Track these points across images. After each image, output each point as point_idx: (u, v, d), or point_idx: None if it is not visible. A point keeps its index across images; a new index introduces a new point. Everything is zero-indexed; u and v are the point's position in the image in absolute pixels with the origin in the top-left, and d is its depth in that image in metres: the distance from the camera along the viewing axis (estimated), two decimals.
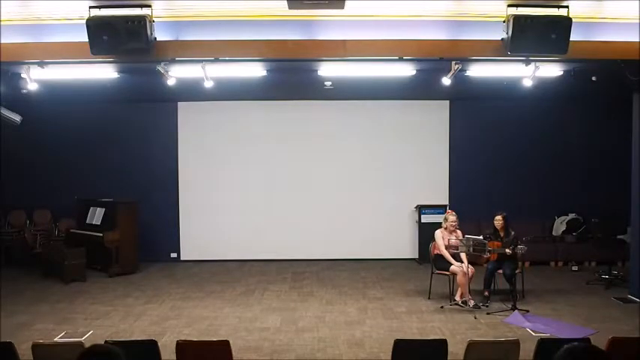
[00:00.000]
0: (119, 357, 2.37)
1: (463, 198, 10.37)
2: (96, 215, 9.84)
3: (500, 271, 7.54)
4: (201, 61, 6.29)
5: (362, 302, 7.77)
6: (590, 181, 10.52)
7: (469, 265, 7.39)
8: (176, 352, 4.19)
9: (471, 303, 7.28)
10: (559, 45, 5.48)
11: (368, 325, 6.72)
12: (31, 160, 10.48)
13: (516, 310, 7.00)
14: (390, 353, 4.19)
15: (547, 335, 6.12)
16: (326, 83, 8.78)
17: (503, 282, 7.61)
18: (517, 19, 5.42)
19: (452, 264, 7.50)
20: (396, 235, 10.78)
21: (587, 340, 4.18)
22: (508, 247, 7.33)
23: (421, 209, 10.45)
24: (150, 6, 5.41)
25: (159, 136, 10.74)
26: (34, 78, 6.60)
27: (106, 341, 4.18)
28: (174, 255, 10.75)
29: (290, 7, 5.31)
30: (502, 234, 7.62)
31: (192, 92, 8.39)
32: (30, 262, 9.79)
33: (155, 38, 5.59)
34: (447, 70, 6.70)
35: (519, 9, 5.45)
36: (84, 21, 5.36)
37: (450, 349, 4.22)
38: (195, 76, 6.70)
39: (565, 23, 5.43)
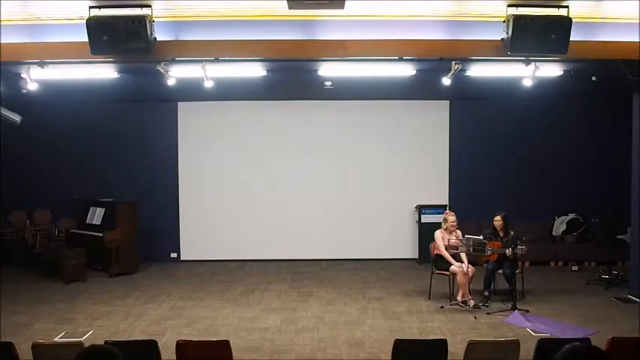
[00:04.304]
0: (117, 357, 2.37)
1: (463, 198, 10.37)
2: (96, 215, 9.84)
3: (500, 271, 7.55)
4: (201, 61, 6.28)
5: (362, 302, 7.77)
6: (590, 181, 10.52)
7: (469, 265, 7.40)
8: (176, 352, 4.20)
9: (471, 303, 7.28)
10: (559, 45, 5.49)
11: (368, 325, 6.72)
12: (31, 160, 10.47)
13: (516, 310, 7.00)
14: (390, 353, 4.20)
15: (547, 335, 6.11)
16: (326, 83, 8.77)
17: (503, 282, 7.60)
18: (517, 19, 5.43)
19: (452, 264, 7.50)
20: (396, 235, 10.77)
21: (587, 340, 4.19)
22: (508, 247, 7.32)
23: (421, 209, 10.44)
24: (150, 6, 5.41)
25: (159, 136, 10.73)
26: (34, 78, 6.59)
27: (105, 341, 4.18)
28: (174, 255, 10.74)
29: (290, 7, 5.32)
30: (502, 234, 7.63)
31: (192, 92, 8.37)
32: (30, 262, 9.79)
33: (155, 38, 5.59)
34: (447, 70, 6.69)
35: (519, 9, 5.46)
36: (84, 21, 5.37)
37: (450, 349, 4.22)
38: (195, 76, 6.69)
39: (565, 23, 5.43)
